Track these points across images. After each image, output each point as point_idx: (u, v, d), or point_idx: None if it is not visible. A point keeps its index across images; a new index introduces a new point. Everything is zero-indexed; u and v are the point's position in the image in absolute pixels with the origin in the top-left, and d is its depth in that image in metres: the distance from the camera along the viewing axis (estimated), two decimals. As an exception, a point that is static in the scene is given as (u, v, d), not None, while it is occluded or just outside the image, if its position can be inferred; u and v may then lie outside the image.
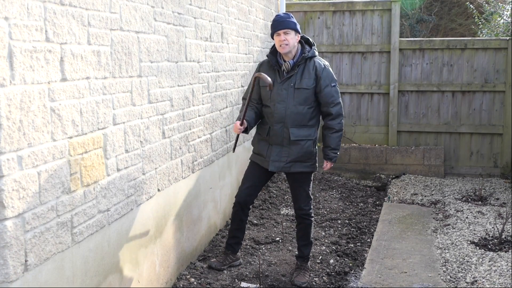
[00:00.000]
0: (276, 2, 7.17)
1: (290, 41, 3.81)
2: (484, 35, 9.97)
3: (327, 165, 4.06)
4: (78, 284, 2.71)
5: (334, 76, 3.97)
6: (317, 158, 4.02)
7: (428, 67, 7.39)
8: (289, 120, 3.88)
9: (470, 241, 4.72)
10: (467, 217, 5.40)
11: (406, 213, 5.65)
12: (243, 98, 4.18)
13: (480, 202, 6.00)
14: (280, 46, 3.83)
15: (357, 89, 7.63)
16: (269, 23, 6.64)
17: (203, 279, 4.03)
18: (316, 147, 4.02)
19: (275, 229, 5.22)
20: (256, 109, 4.06)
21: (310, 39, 4.02)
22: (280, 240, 4.93)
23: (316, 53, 3.98)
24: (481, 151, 7.33)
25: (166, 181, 3.80)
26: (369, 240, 5.03)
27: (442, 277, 3.98)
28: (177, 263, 4.05)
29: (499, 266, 4.10)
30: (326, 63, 3.98)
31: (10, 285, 2.20)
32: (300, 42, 3.96)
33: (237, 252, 4.31)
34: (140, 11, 3.29)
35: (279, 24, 3.82)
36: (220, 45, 4.88)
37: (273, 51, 4.01)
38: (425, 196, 6.32)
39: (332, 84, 3.89)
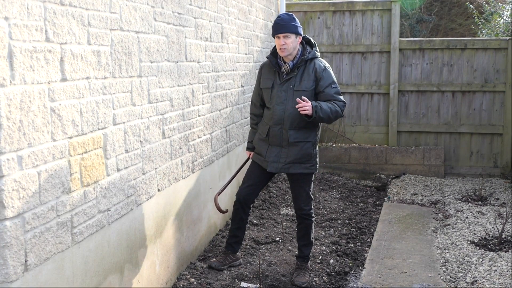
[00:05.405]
0: (276, 2, 7.17)
1: (289, 45, 3.80)
2: (484, 35, 9.97)
3: (307, 103, 3.68)
4: (78, 284, 2.71)
5: (335, 78, 3.96)
6: (317, 159, 4.01)
7: (428, 67, 7.39)
8: (288, 122, 3.87)
9: (470, 241, 4.72)
10: (467, 217, 5.40)
11: (406, 213, 5.65)
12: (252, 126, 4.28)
13: (480, 202, 6.01)
14: (280, 49, 3.83)
15: (357, 89, 7.63)
16: (269, 23, 6.64)
17: (203, 279, 4.03)
18: (316, 149, 4.00)
19: (275, 229, 5.22)
20: (257, 124, 4.17)
21: (312, 40, 4.01)
22: (280, 240, 4.93)
23: (317, 54, 3.95)
24: (481, 151, 7.33)
25: (166, 181, 3.80)
26: (369, 240, 5.03)
27: (442, 277, 3.98)
28: (177, 263, 4.05)
29: (499, 266, 4.10)
30: (327, 64, 3.97)
31: (10, 285, 2.20)
32: (301, 42, 3.95)
33: (237, 252, 4.31)
34: (140, 11, 3.29)
35: (280, 27, 3.80)
36: (220, 45, 4.88)
37: (274, 52, 4.00)
38: (425, 196, 6.32)
39: (333, 86, 3.87)
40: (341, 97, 3.90)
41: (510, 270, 4.01)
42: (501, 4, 10.33)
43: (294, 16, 3.87)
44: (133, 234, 3.33)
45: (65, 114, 2.55)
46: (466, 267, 4.14)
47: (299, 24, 3.86)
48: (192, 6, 4.16)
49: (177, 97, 3.92)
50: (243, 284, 4.00)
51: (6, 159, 2.16)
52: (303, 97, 3.72)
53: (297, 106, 3.70)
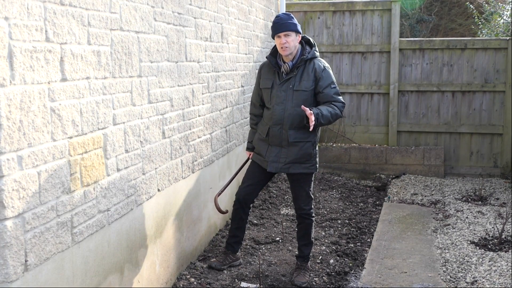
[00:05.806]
0: (276, 2, 7.17)
1: (291, 43, 3.81)
2: (484, 35, 9.97)
3: (310, 116, 3.67)
4: (78, 284, 2.71)
5: (334, 78, 3.96)
6: (317, 159, 4.01)
7: (428, 67, 7.39)
8: (288, 122, 3.87)
9: (470, 241, 4.72)
10: (467, 217, 5.40)
11: (406, 213, 5.65)
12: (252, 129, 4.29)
13: (480, 202, 6.01)
14: (281, 48, 3.83)
15: (357, 89, 7.63)
16: (269, 23, 6.64)
17: (203, 279, 4.04)
18: (316, 149, 4.00)
19: (275, 229, 5.22)
20: (257, 124, 4.18)
21: (311, 40, 4.01)
22: (280, 240, 4.93)
23: (317, 54, 3.96)
24: (481, 151, 7.33)
25: (166, 181, 3.80)
26: (369, 240, 5.03)
27: (442, 277, 3.98)
28: (177, 263, 4.05)
29: (499, 266, 4.10)
30: (326, 64, 3.97)
31: (10, 285, 2.20)
32: (300, 42, 3.95)
33: (237, 252, 4.31)
34: (140, 11, 3.29)
35: (280, 26, 3.81)
36: (220, 45, 4.88)
37: (273, 52, 4.01)
38: (425, 196, 6.32)
39: (332, 86, 3.88)
40: (340, 98, 3.91)
41: (510, 270, 4.01)
42: (501, 4, 10.33)
43: (292, 15, 3.89)
44: (133, 234, 3.33)
45: (65, 114, 2.55)
46: (466, 267, 4.14)
47: (297, 23, 3.88)
48: (192, 6, 4.16)
49: (177, 97, 3.92)
50: (243, 284, 4.00)
51: (6, 159, 2.16)
52: (308, 111, 3.66)
53: (310, 125, 3.66)
